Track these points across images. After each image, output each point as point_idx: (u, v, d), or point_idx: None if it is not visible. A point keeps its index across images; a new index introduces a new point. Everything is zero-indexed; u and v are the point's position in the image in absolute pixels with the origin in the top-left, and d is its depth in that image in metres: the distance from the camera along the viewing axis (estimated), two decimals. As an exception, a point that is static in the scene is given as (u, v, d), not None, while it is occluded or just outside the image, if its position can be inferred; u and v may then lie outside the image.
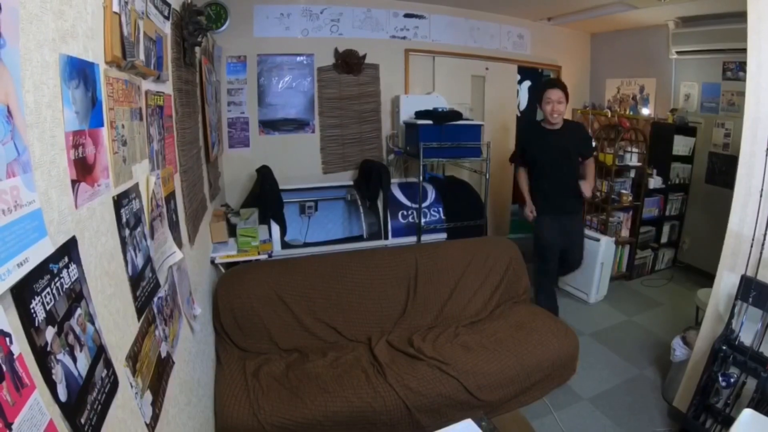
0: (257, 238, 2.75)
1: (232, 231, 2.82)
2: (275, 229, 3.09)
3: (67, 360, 0.73)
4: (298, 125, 4.05)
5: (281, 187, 3.40)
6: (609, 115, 4.14)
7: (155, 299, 1.25)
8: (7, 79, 0.62)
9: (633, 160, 4.13)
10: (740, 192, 2.11)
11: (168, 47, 1.64)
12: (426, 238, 3.47)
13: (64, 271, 0.75)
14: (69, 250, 0.78)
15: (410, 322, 2.72)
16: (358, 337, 2.61)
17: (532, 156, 3.20)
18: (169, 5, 1.62)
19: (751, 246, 2.01)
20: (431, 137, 3.45)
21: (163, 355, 1.28)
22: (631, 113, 4.74)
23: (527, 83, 5.77)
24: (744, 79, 2.11)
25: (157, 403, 1.16)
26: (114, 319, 0.97)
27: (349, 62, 4.01)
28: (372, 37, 4.12)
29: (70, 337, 0.75)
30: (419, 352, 2.39)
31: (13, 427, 0.57)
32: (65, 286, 0.75)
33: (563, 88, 3.06)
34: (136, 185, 1.17)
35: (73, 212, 0.82)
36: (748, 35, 1.99)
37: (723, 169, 4.12)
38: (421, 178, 3.49)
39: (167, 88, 1.63)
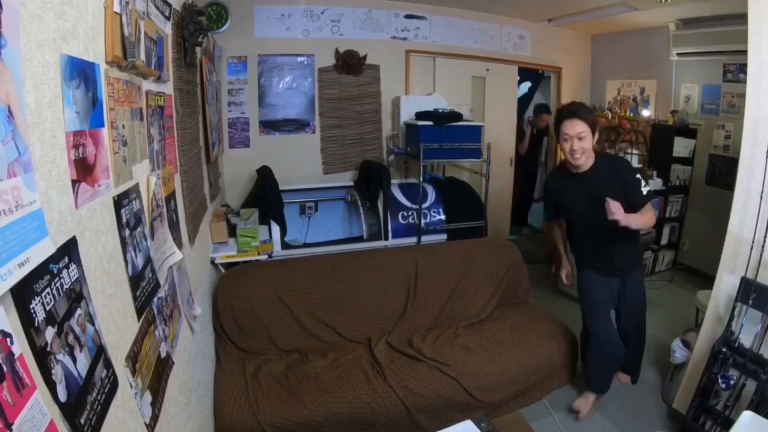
0: (257, 239, 2.75)
1: (232, 231, 2.82)
2: (275, 229, 3.09)
3: (66, 360, 0.73)
4: (298, 126, 4.05)
5: (281, 187, 3.40)
6: (609, 116, 4.14)
7: (155, 299, 1.25)
8: (8, 79, 0.62)
9: (633, 161, 4.13)
10: (740, 194, 2.11)
11: (169, 47, 1.64)
12: (426, 239, 3.47)
13: (64, 272, 0.75)
14: (69, 250, 0.78)
15: (410, 323, 2.71)
16: (357, 338, 2.61)
17: (566, 210, 2.47)
18: (170, 5, 1.62)
19: (751, 248, 2.01)
20: (431, 138, 3.45)
21: (163, 355, 1.28)
22: (632, 115, 4.75)
23: (527, 84, 5.79)
24: (744, 81, 2.11)
25: (156, 404, 1.16)
26: (114, 319, 0.96)
27: (349, 63, 4.01)
28: (373, 37, 4.12)
29: (70, 338, 0.75)
30: (419, 353, 2.39)
31: (14, 427, 0.57)
32: (65, 287, 0.75)
33: (585, 116, 2.19)
34: (137, 185, 1.17)
35: (74, 212, 0.82)
36: (749, 37, 1.99)
37: (723, 171, 4.12)
38: (421, 178, 3.49)
39: (168, 88, 1.63)
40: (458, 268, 2.94)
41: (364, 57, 4.07)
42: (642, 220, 2.22)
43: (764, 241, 1.95)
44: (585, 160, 2.26)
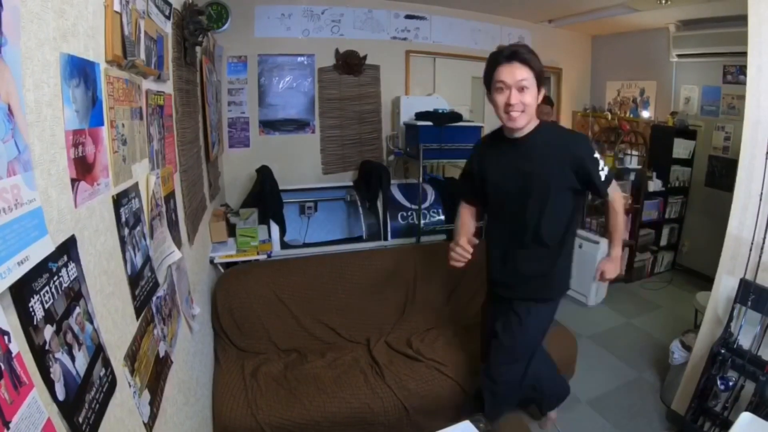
0: (257, 238, 2.75)
1: (231, 231, 2.81)
2: (275, 229, 3.09)
3: (65, 359, 0.73)
4: (298, 125, 4.05)
5: (281, 187, 3.40)
6: (609, 117, 4.15)
7: (154, 298, 1.25)
8: (9, 77, 0.62)
9: (633, 162, 4.13)
10: (740, 195, 2.11)
11: (169, 47, 1.64)
12: (425, 239, 3.46)
13: (63, 270, 0.75)
14: (68, 248, 0.78)
15: (409, 323, 2.71)
16: (356, 338, 2.61)
17: (485, 188, 1.88)
18: (170, 5, 1.62)
19: (751, 249, 2.01)
20: (431, 138, 3.45)
21: (162, 354, 1.28)
22: (632, 116, 4.75)
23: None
24: (744, 83, 2.11)
25: (155, 403, 1.16)
26: (113, 318, 0.96)
27: (349, 63, 4.01)
28: (373, 38, 4.12)
29: (69, 336, 0.75)
30: (418, 354, 2.39)
31: (11, 425, 0.57)
32: (64, 285, 0.75)
33: (530, 60, 1.61)
34: (136, 184, 1.17)
35: (73, 211, 0.82)
36: (749, 39, 1.99)
37: (723, 173, 4.12)
38: (420, 179, 3.49)
39: (168, 87, 1.63)
40: (457, 268, 2.94)
41: (364, 57, 4.07)
42: (621, 228, 1.84)
43: (763, 243, 1.95)
44: (524, 122, 1.65)
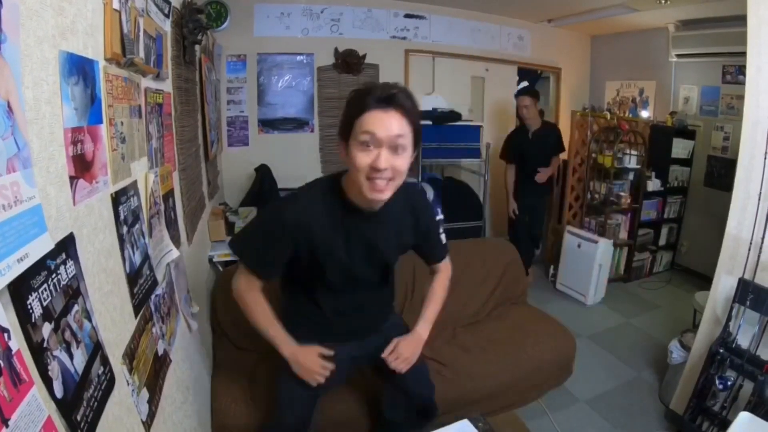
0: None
1: (230, 229, 2.81)
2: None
3: (63, 356, 0.73)
4: (297, 124, 4.05)
5: (280, 186, 3.41)
6: (608, 117, 4.15)
7: (152, 297, 1.25)
8: (8, 74, 0.62)
9: (632, 162, 4.13)
10: (739, 195, 2.11)
11: (168, 45, 1.64)
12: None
13: (62, 268, 0.75)
14: (66, 246, 0.78)
15: (408, 322, 2.71)
16: (355, 337, 2.60)
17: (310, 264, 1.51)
18: (169, 3, 1.62)
19: (749, 249, 2.01)
20: (430, 138, 3.46)
21: (160, 352, 1.28)
22: (631, 116, 4.75)
23: (524, 84, 5.79)
24: (743, 83, 2.11)
25: (153, 401, 1.16)
26: (111, 316, 0.96)
27: (349, 62, 4.01)
28: (372, 37, 4.12)
29: (67, 334, 0.75)
30: (417, 353, 2.39)
31: (10, 422, 0.57)
32: (62, 283, 0.75)
33: (410, 112, 1.19)
34: (135, 183, 1.17)
35: (71, 209, 0.82)
36: (748, 39, 1.99)
37: (722, 173, 4.12)
38: (419, 178, 3.49)
39: (167, 86, 1.63)
40: (456, 268, 2.91)
41: (364, 56, 4.07)
42: (442, 303, 1.65)
43: (762, 243, 1.95)
44: (390, 195, 1.21)
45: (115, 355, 0.96)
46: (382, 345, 1.53)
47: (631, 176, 4.25)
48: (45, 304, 0.69)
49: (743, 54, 2.04)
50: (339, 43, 3.99)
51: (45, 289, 0.69)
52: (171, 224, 1.55)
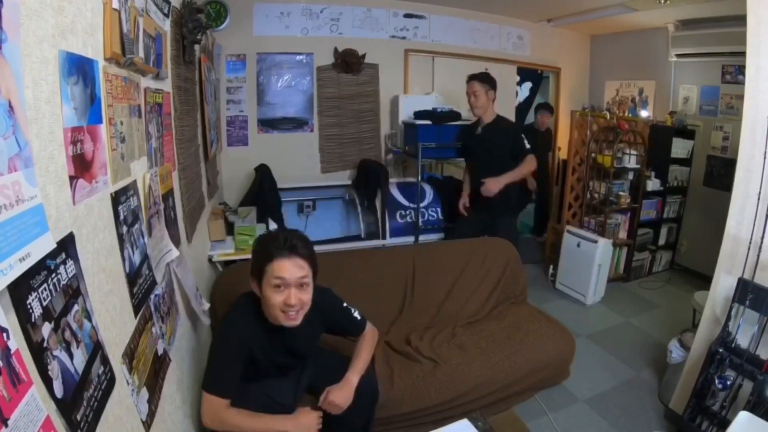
0: (255, 237, 2.74)
1: (230, 229, 2.81)
2: (273, 227, 3.09)
3: (63, 356, 0.73)
4: (296, 124, 4.05)
5: (279, 185, 3.41)
6: (608, 117, 4.15)
7: (152, 296, 1.25)
8: (9, 74, 0.62)
9: (631, 162, 4.13)
10: (738, 195, 2.11)
11: (167, 45, 1.64)
12: (424, 238, 3.47)
13: (62, 267, 0.75)
14: (66, 246, 0.78)
15: (407, 322, 2.71)
16: (355, 337, 2.60)
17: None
18: (169, 3, 1.62)
19: (749, 249, 2.01)
20: (430, 137, 3.46)
21: (160, 352, 1.28)
22: (630, 115, 4.75)
23: (527, 84, 5.79)
24: (743, 83, 2.11)
25: (153, 401, 1.16)
26: (111, 315, 0.96)
27: (348, 62, 4.01)
28: (372, 36, 4.12)
29: (67, 334, 0.75)
30: (417, 352, 2.39)
31: (9, 422, 0.56)
32: (62, 283, 0.75)
33: (309, 256, 1.58)
34: (134, 182, 1.17)
35: (71, 208, 0.82)
36: (748, 39, 1.99)
37: (721, 172, 4.13)
38: (419, 177, 3.50)
39: (166, 85, 1.63)
40: (456, 267, 2.94)
41: (363, 56, 4.07)
42: (369, 357, 1.84)
43: (761, 242, 1.95)
44: (302, 319, 1.54)
45: (115, 354, 0.96)
46: (317, 374, 1.83)
47: (630, 176, 4.26)
48: (45, 303, 0.69)
49: (743, 54, 2.04)
50: (338, 43, 3.99)
51: (45, 289, 0.69)
52: (170, 224, 1.55)
